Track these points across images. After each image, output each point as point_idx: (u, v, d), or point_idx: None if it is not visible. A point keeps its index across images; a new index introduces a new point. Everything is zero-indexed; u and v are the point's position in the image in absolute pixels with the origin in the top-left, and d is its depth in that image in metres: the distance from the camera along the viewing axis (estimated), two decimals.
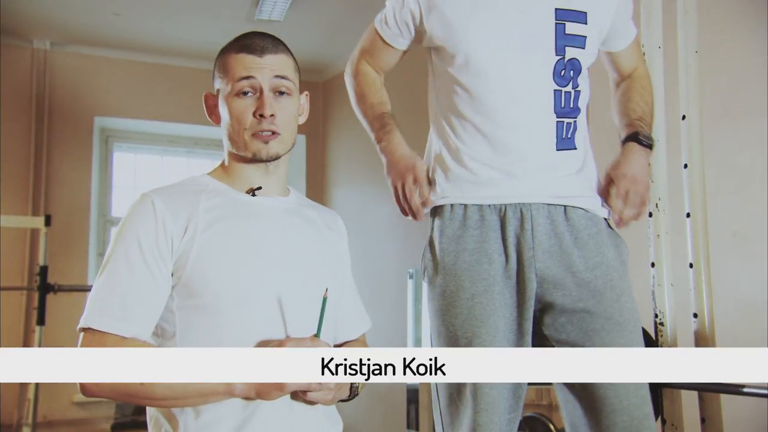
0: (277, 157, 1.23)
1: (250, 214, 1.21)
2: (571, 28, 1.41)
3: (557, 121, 1.41)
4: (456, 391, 1.37)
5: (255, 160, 1.21)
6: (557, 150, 1.42)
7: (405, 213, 1.48)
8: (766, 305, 2.03)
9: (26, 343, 4.22)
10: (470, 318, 1.35)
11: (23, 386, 4.04)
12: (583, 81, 1.46)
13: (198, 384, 1.07)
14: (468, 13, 1.40)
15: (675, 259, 1.78)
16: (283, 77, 1.21)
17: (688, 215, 1.79)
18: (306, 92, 1.30)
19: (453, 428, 1.37)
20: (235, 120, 1.20)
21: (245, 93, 1.19)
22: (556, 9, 1.40)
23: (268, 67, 1.20)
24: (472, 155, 1.42)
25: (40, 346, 3.74)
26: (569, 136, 1.43)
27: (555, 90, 1.41)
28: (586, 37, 1.43)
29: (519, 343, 1.38)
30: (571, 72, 1.42)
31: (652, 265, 1.78)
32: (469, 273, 1.37)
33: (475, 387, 1.34)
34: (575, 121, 1.44)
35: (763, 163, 2.09)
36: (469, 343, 1.35)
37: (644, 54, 1.78)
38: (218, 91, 1.24)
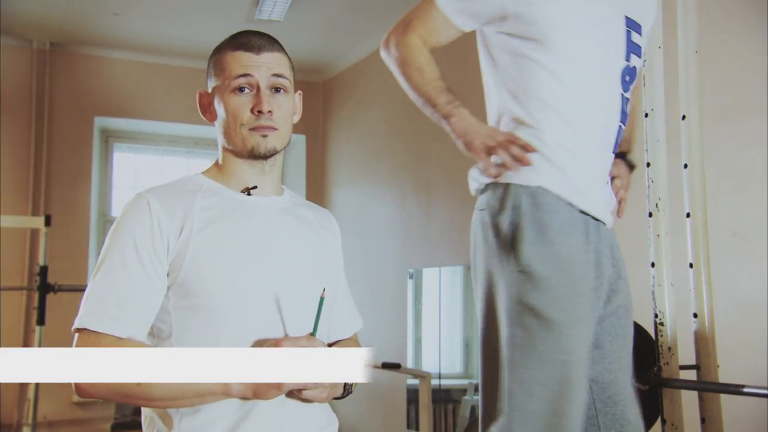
0: (274, 152, 1.22)
1: (245, 213, 1.21)
2: (635, 37, 1.45)
3: (619, 125, 1.45)
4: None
5: (253, 155, 1.21)
6: (612, 152, 1.46)
7: (495, 175, 1.40)
8: (766, 305, 2.02)
9: (26, 343, 4.23)
10: (572, 314, 1.32)
11: (23, 386, 4.05)
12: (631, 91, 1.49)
13: (195, 384, 1.07)
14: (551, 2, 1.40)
15: (675, 259, 1.78)
16: (279, 75, 1.21)
17: (688, 215, 1.80)
18: (299, 92, 1.30)
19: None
20: (231, 116, 1.20)
21: (242, 90, 1.19)
22: (626, 17, 1.44)
23: (265, 65, 1.20)
24: (552, 137, 1.38)
25: (40, 346, 3.74)
26: (620, 142, 1.47)
27: (621, 94, 1.44)
28: (641, 48, 1.48)
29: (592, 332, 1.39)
30: (630, 79, 1.45)
31: (652, 265, 1.78)
32: (574, 269, 1.34)
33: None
34: (624, 129, 1.48)
35: (763, 163, 2.09)
36: (560, 334, 1.30)
37: (644, 54, 1.78)
38: (213, 89, 1.24)
